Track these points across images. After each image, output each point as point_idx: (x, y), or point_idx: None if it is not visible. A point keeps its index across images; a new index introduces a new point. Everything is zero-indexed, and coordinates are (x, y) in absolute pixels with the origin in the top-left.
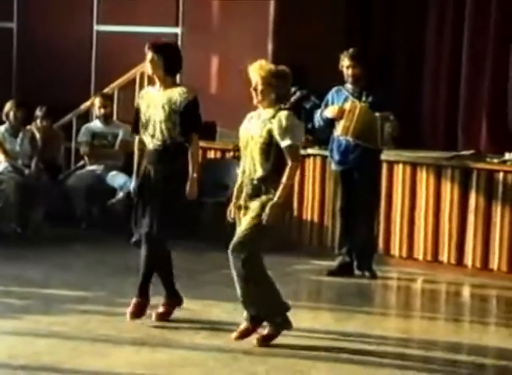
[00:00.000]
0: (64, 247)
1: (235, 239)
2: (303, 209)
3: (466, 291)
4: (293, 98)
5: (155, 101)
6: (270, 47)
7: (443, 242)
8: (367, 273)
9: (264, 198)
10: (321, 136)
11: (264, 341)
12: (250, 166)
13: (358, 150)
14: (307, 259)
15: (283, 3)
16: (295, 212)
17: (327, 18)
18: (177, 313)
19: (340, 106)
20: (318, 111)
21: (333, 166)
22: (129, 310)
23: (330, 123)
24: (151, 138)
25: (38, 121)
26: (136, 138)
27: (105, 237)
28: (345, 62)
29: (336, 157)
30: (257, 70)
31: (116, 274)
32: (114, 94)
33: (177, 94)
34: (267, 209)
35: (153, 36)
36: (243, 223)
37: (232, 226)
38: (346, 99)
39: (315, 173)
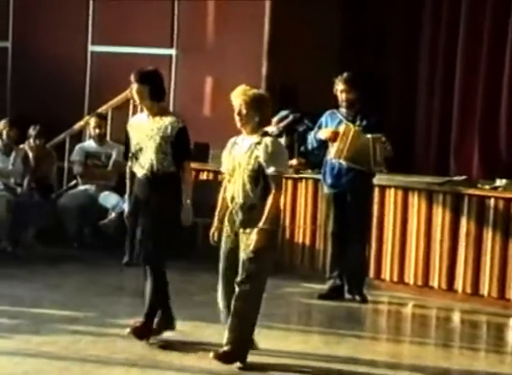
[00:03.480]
0: (55, 266)
1: (241, 274)
2: (295, 232)
3: (456, 317)
4: (286, 121)
5: (146, 131)
6: (264, 68)
7: (434, 267)
8: (357, 297)
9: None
10: (314, 159)
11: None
12: (238, 193)
13: (351, 173)
14: (298, 282)
15: (278, 25)
16: (287, 235)
17: (322, 40)
18: (168, 334)
19: (334, 129)
20: (312, 133)
21: (326, 189)
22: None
23: (323, 146)
24: (142, 168)
25: (31, 140)
26: (128, 165)
27: (97, 257)
28: (339, 86)
29: (329, 180)
30: (240, 95)
31: (107, 294)
32: (108, 114)
33: (167, 122)
34: (253, 236)
35: (147, 57)
36: (245, 259)
37: (217, 249)
38: (339, 123)
39: (307, 196)
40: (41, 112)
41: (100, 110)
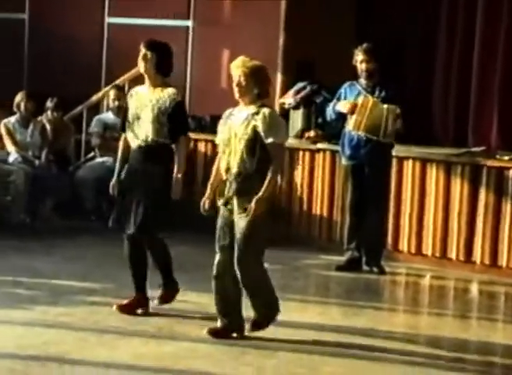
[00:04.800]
0: (73, 238)
1: (237, 252)
2: (312, 204)
3: (474, 288)
4: (303, 93)
5: (144, 101)
6: (281, 41)
7: (452, 239)
8: (375, 269)
9: (252, 199)
10: (331, 131)
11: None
12: (234, 163)
13: (369, 145)
14: (316, 254)
15: None
16: (304, 207)
17: (338, 13)
18: (185, 306)
19: (353, 101)
20: (331, 104)
21: (344, 161)
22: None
23: (341, 117)
24: (136, 137)
25: (49, 112)
26: (123, 136)
27: (114, 230)
28: (359, 56)
29: (347, 152)
30: (239, 66)
31: (125, 267)
32: (125, 86)
33: (166, 95)
34: (252, 204)
35: (164, 29)
36: (239, 232)
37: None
38: (358, 94)
39: (325, 168)
40: (58, 84)
41: (116, 82)
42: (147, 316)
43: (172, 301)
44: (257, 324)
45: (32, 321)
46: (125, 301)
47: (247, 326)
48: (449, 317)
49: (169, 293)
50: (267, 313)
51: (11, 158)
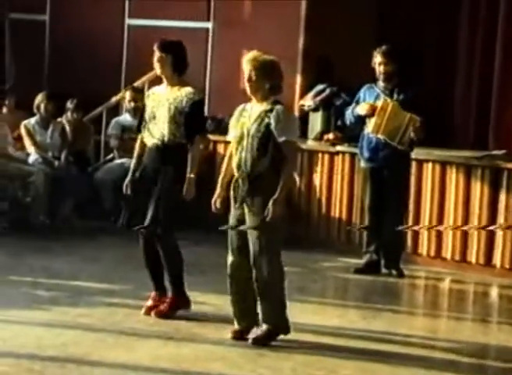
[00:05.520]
0: (92, 239)
1: (252, 251)
2: (331, 206)
3: (494, 292)
4: (323, 95)
5: (161, 101)
6: (301, 42)
7: (472, 242)
8: (394, 272)
9: (265, 198)
10: (351, 133)
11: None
12: (246, 161)
13: (388, 148)
14: (334, 257)
15: None
16: (323, 210)
17: (358, 14)
18: (203, 307)
19: (372, 103)
20: (350, 108)
21: (363, 164)
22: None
23: (361, 121)
24: (152, 137)
25: (69, 114)
26: (139, 136)
27: (133, 231)
28: (377, 58)
29: (366, 154)
30: (251, 61)
31: (143, 268)
32: (144, 87)
33: (184, 94)
34: (269, 206)
35: (184, 30)
36: (252, 231)
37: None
38: (377, 97)
39: (344, 171)
40: (78, 86)
41: (136, 84)
42: (165, 318)
43: (173, 313)
44: (261, 337)
45: (51, 322)
46: (162, 306)
47: (251, 337)
48: (468, 321)
49: (178, 302)
50: (275, 323)
51: (31, 159)
